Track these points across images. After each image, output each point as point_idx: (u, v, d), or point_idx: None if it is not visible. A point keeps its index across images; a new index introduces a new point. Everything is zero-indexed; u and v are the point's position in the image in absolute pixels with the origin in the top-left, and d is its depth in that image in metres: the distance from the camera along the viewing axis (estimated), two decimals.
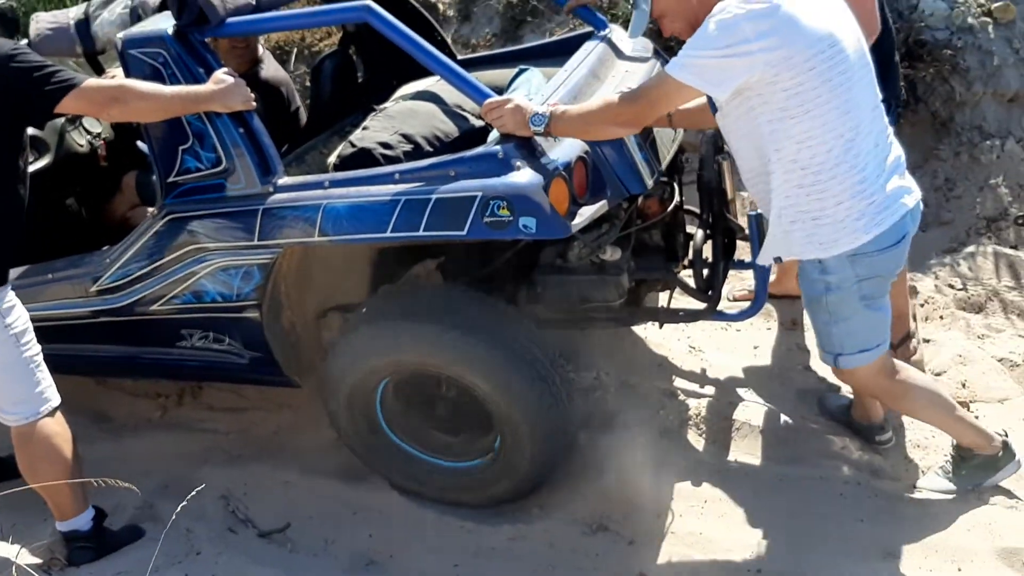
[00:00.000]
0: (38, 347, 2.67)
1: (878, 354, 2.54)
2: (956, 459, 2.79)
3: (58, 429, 2.69)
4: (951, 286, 3.85)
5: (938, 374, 3.36)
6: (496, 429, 2.74)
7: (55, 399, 2.71)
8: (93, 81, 2.53)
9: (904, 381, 2.64)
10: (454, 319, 2.60)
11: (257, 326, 2.82)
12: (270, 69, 3.70)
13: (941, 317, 3.73)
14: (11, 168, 2.55)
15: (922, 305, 3.79)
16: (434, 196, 2.42)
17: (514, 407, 2.62)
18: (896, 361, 2.67)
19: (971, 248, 4.00)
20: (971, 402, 3.19)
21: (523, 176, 2.38)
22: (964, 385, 3.27)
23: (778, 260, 2.54)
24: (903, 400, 2.69)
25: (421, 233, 2.44)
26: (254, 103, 2.70)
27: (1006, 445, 2.74)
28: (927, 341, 3.54)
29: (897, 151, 2.45)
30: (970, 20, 4.41)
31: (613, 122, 2.42)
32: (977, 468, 2.75)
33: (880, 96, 2.42)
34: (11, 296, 2.61)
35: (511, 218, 2.35)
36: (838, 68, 2.23)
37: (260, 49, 3.70)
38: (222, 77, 2.64)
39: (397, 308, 2.73)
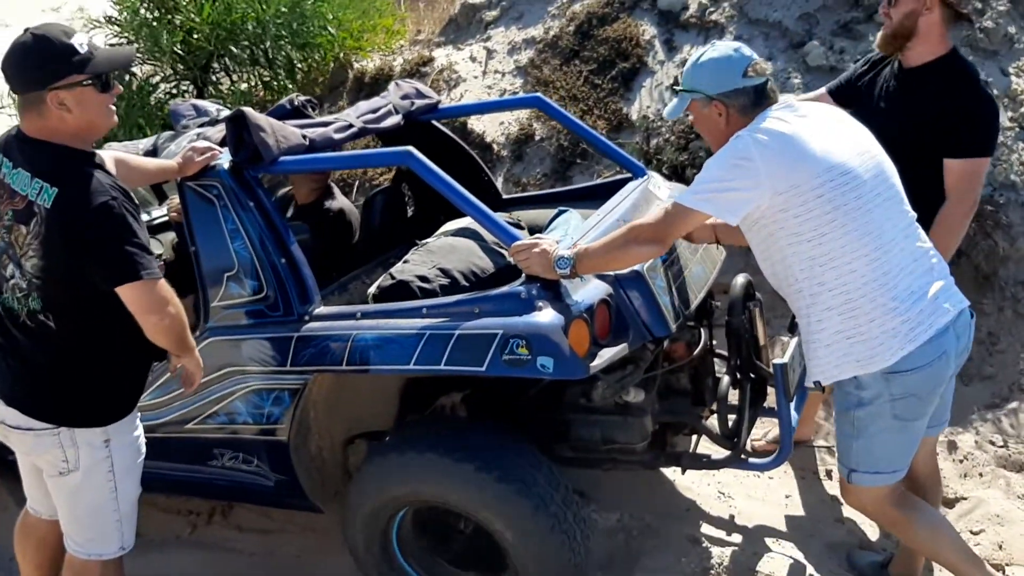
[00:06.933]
0: (136, 492, 2.57)
1: (891, 480, 2.49)
2: None
3: None
4: (992, 442, 3.75)
5: (975, 533, 3.25)
6: (510, 568, 2.73)
7: (126, 545, 2.57)
8: (156, 286, 2.35)
9: (911, 511, 2.56)
10: (473, 455, 2.61)
11: (284, 450, 2.88)
12: (338, 200, 3.90)
13: (981, 474, 3.63)
14: (109, 322, 2.39)
15: (961, 461, 3.70)
16: (457, 332, 2.49)
17: (527, 548, 2.61)
18: (909, 494, 2.60)
19: (1013, 404, 3.91)
20: (1007, 565, 3.07)
21: (544, 316, 2.44)
22: (1001, 547, 3.16)
23: (818, 386, 2.50)
24: (905, 530, 2.61)
25: (442, 367, 2.50)
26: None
27: None
28: (964, 499, 3.45)
29: (934, 263, 2.40)
30: (1012, 177, 4.43)
31: (636, 241, 2.44)
32: None
33: (914, 216, 2.42)
34: (124, 436, 2.49)
35: (529, 357, 2.40)
36: (852, 194, 2.26)
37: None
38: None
39: (420, 439, 2.76)
